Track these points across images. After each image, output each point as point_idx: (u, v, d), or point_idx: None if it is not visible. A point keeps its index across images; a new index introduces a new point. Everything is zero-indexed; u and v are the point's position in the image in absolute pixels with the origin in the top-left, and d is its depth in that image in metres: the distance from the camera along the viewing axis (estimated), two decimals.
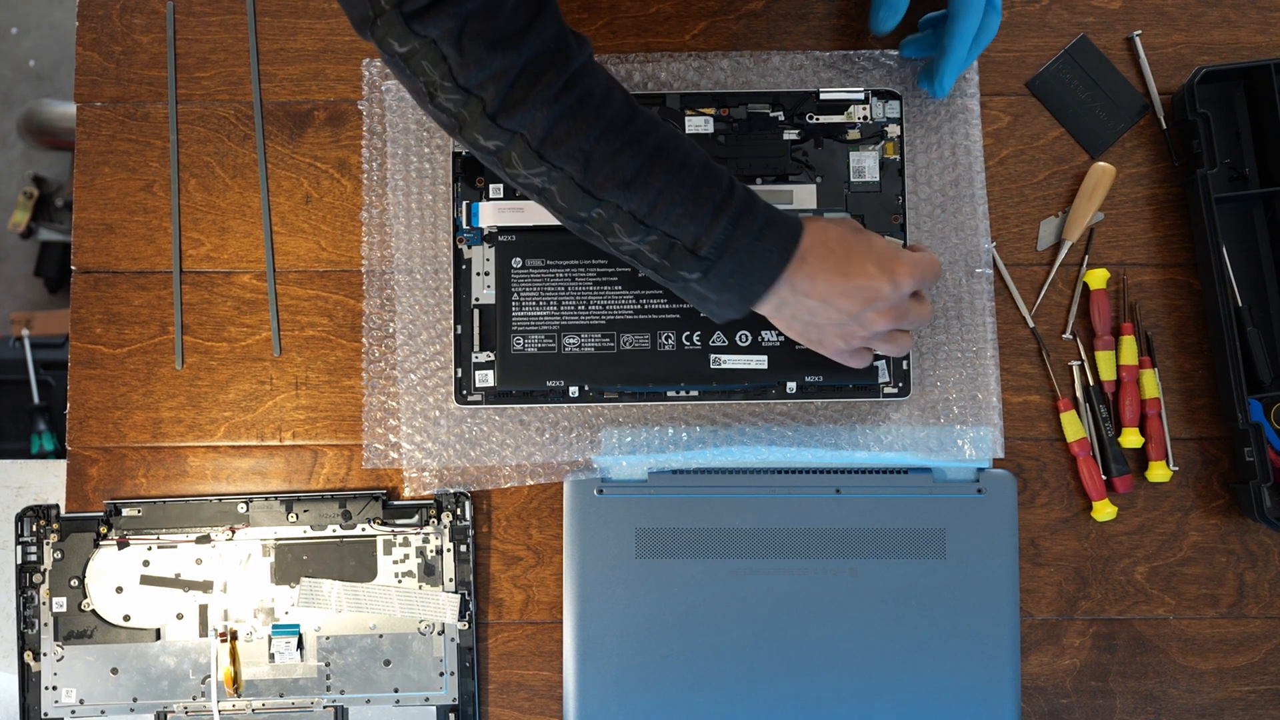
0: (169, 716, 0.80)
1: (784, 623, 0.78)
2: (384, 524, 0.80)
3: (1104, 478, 0.80)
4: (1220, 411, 0.81)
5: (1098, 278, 0.81)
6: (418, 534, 0.80)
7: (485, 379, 0.79)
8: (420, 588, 0.80)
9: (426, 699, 0.79)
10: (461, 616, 0.79)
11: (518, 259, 0.79)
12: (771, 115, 0.80)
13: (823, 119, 0.80)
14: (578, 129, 0.63)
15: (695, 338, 0.79)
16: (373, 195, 0.82)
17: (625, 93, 0.66)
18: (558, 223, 0.73)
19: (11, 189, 1.88)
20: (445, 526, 0.80)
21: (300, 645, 0.79)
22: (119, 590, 0.80)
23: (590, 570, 0.78)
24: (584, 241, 0.72)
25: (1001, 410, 0.81)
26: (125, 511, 0.80)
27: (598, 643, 0.78)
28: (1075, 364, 0.82)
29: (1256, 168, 0.82)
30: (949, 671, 0.77)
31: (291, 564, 0.80)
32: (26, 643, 0.79)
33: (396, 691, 0.79)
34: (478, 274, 0.80)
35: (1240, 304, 0.80)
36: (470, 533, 0.80)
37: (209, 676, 0.79)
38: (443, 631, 0.80)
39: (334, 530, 0.80)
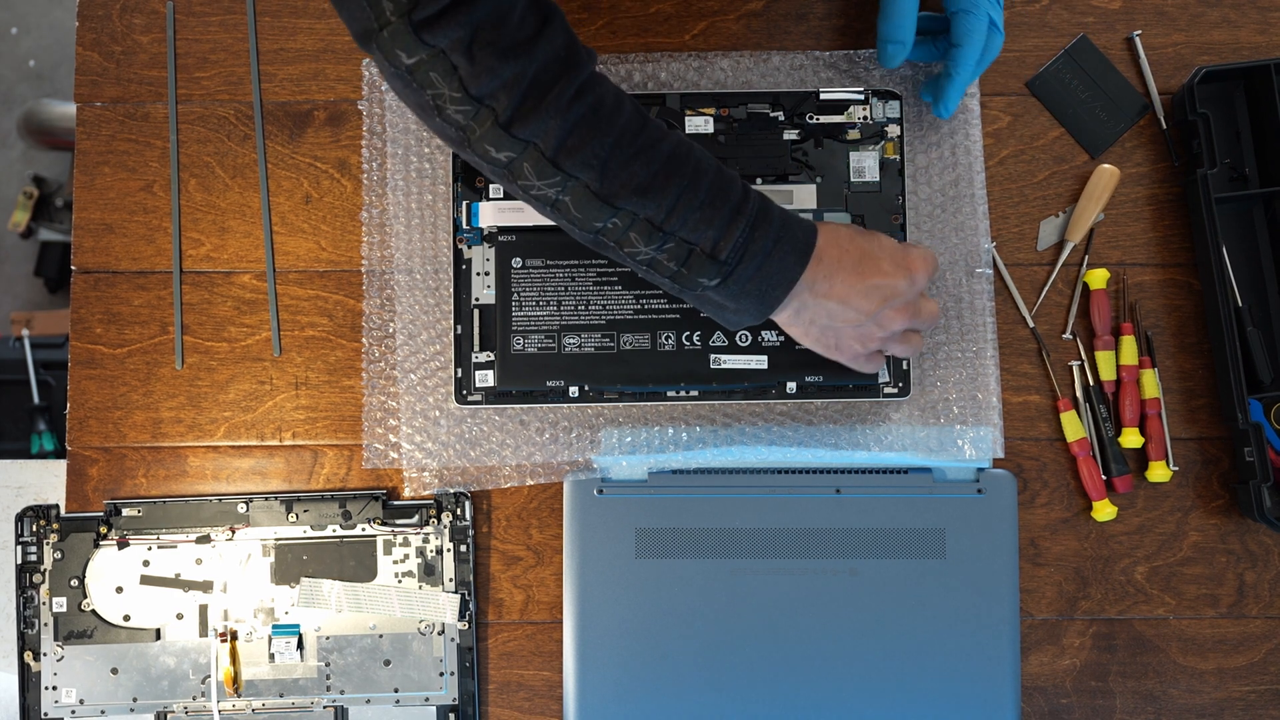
0: (169, 716, 0.80)
1: (784, 623, 0.78)
2: (384, 524, 0.80)
3: (1104, 478, 0.80)
4: (1220, 411, 0.81)
5: (1098, 278, 0.81)
6: (418, 534, 0.80)
7: (485, 379, 0.79)
8: (420, 588, 0.80)
9: (426, 699, 0.79)
10: (461, 616, 0.79)
11: (518, 259, 0.79)
12: (771, 115, 0.80)
13: (823, 119, 0.80)
14: (592, 136, 0.62)
15: (695, 338, 0.79)
16: (373, 195, 0.82)
17: (634, 101, 0.65)
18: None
19: (11, 189, 1.88)
20: (445, 526, 0.80)
21: (300, 645, 0.79)
22: (119, 590, 0.80)
23: (590, 570, 0.78)
24: None
25: (1001, 410, 0.81)
26: (125, 511, 0.80)
27: (598, 643, 0.78)
28: (1075, 364, 0.82)
29: (1256, 168, 0.82)
30: (949, 671, 0.77)
31: (291, 564, 0.80)
32: (26, 643, 0.79)
33: (396, 691, 0.79)
34: (478, 274, 0.80)
35: (1240, 304, 0.80)
36: (470, 533, 0.80)
37: (209, 676, 0.79)
38: (443, 631, 0.80)
39: (334, 530, 0.80)
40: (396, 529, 0.80)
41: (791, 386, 0.79)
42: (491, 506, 0.81)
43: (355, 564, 0.80)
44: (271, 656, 0.79)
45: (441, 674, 0.79)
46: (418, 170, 0.82)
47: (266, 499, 0.80)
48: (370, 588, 0.79)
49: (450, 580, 0.80)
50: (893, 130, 0.80)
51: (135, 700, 0.79)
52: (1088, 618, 0.81)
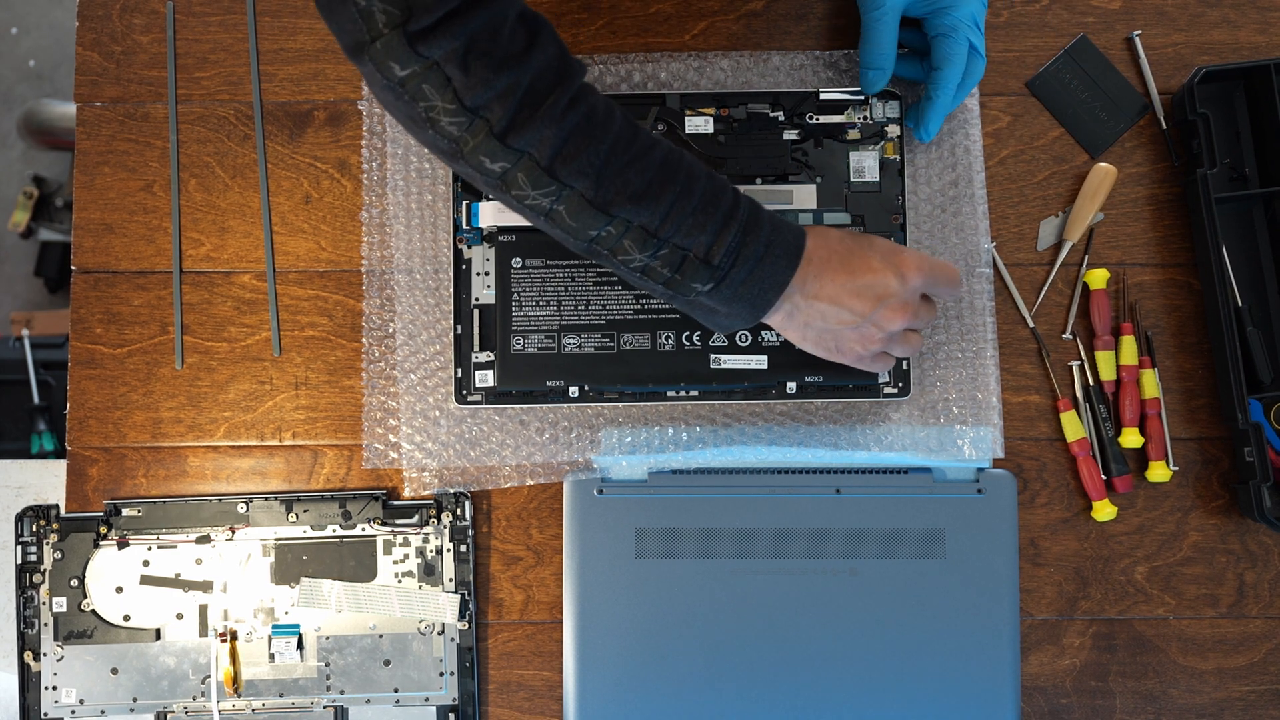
0: (169, 716, 0.80)
1: (784, 623, 0.78)
2: (384, 524, 0.80)
3: (1104, 478, 0.80)
4: (1220, 411, 0.81)
5: (1098, 278, 0.81)
6: (418, 534, 0.80)
7: (485, 379, 0.79)
8: (420, 588, 0.80)
9: (426, 699, 0.79)
10: (461, 616, 0.79)
11: (518, 259, 0.79)
12: (771, 115, 0.80)
13: (823, 119, 0.80)
14: (587, 145, 0.62)
15: (695, 338, 0.79)
16: (373, 195, 0.82)
17: (624, 110, 0.66)
18: None
19: (11, 189, 1.88)
20: (445, 526, 0.80)
21: (300, 645, 0.79)
22: (119, 590, 0.80)
23: (590, 570, 0.78)
24: None
25: (1001, 410, 0.81)
26: (125, 511, 0.80)
27: (598, 643, 0.78)
28: (1075, 364, 0.82)
29: (1256, 168, 0.82)
30: (949, 671, 0.77)
31: (291, 564, 0.80)
32: (26, 643, 0.79)
33: (396, 691, 0.79)
34: (478, 274, 0.80)
35: (1240, 304, 0.80)
36: (470, 533, 0.80)
37: (209, 676, 0.79)
38: (443, 631, 0.80)
39: (334, 530, 0.80)
40: (396, 529, 0.80)
41: (791, 386, 0.79)
42: (491, 506, 0.81)
43: (355, 564, 0.80)
44: (271, 656, 0.79)
45: (441, 674, 0.79)
46: (418, 170, 0.82)
47: (266, 499, 0.80)
48: (370, 588, 0.79)
49: (450, 580, 0.80)
50: (892, 130, 0.80)
51: (135, 700, 0.79)
52: (1088, 618, 0.81)
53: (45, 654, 0.79)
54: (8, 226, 1.84)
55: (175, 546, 0.80)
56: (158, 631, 0.80)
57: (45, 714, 0.79)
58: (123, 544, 0.80)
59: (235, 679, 0.79)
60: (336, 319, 0.82)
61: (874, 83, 0.78)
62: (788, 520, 0.78)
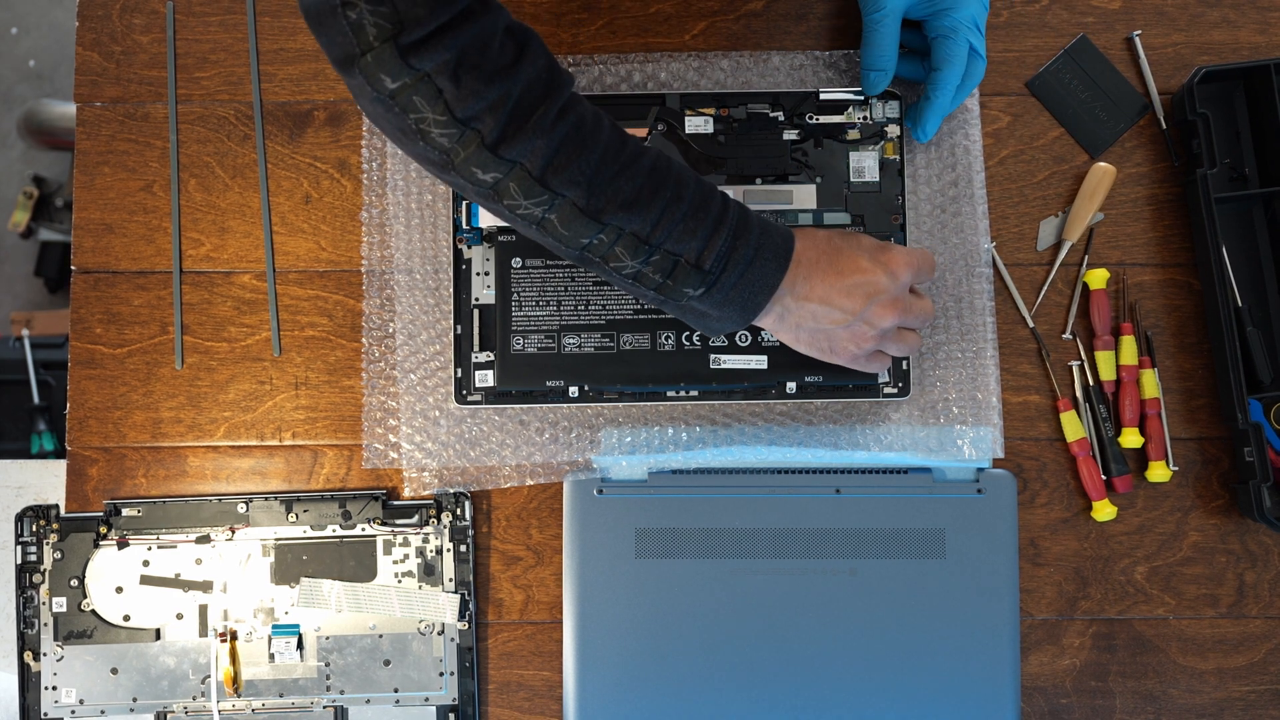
0: (169, 716, 0.80)
1: (784, 623, 0.78)
2: (384, 524, 0.80)
3: (1104, 478, 0.80)
4: (1220, 411, 0.81)
5: (1098, 278, 0.81)
6: (418, 534, 0.80)
7: (485, 379, 0.79)
8: (420, 588, 0.80)
9: (426, 699, 0.79)
10: (461, 616, 0.79)
11: (518, 259, 0.79)
12: (771, 115, 0.80)
13: (822, 119, 0.80)
14: (578, 154, 0.63)
15: (695, 338, 0.79)
16: (373, 195, 0.82)
17: (611, 119, 0.66)
18: None
19: (11, 189, 1.88)
20: (445, 526, 0.80)
21: (300, 645, 0.79)
22: (119, 590, 0.80)
23: (590, 570, 0.78)
24: None
25: (1001, 410, 0.81)
26: (125, 511, 0.80)
27: (598, 643, 0.78)
28: (1075, 364, 0.82)
29: (1256, 168, 0.82)
30: (949, 671, 0.77)
31: (291, 564, 0.80)
32: (26, 643, 0.79)
33: (396, 691, 0.79)
34: (478, 274, 0.80)
35: (1240, 304, 0.80)
36: (470, 533, 0.80)
37: (209, 676, 0.79)
38: (442, 631, 0.80)
39: (334, 530, 0.80)
40: (396, 529, 0.80)
41: (791, 386, 0.79)
42: (491, 506, 0.81)
43: (355, 564, 0.80)
44: (271, 656, 0.79)
45: (441, 674, 0.79)
46: (418, 170, 0.82)
47: (266, 499, 0.80)
48: (370, 588, 0.79)
49: (450, 580, 0.80)
50: (892, 130, 0.80)
51: (135, 700, 0.79)
52: (1088, 618, 0.81)
53: (45, 654, 0.79)
54: (8, 226, 1.84)
55: (175, 546, 0.80)
56: (158, 631, 0.80)
57: (45, 714, 0.79)
58: (123, 544, 0.80)
59: (235, 679, 0.79)
60: (336, 319, 0.82)
61: (875, 84, 0.78)
62: (788, 520, 0.78)
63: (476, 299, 0.80)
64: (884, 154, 0.80)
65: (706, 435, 0.80)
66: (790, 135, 0.80)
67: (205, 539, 0.80)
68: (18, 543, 0.80)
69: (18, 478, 0.83)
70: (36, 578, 0.80)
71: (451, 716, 0.79)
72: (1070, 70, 0.83)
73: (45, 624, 0.79)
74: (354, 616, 0.80)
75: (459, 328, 0.80)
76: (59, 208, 1.83)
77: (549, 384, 0.79)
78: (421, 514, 0.80)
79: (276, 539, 0.80)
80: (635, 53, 0.83)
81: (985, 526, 0.78)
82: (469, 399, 0.79)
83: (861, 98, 0.80)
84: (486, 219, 0.79)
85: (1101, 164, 0.82)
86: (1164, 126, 0.83)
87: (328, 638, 0.80)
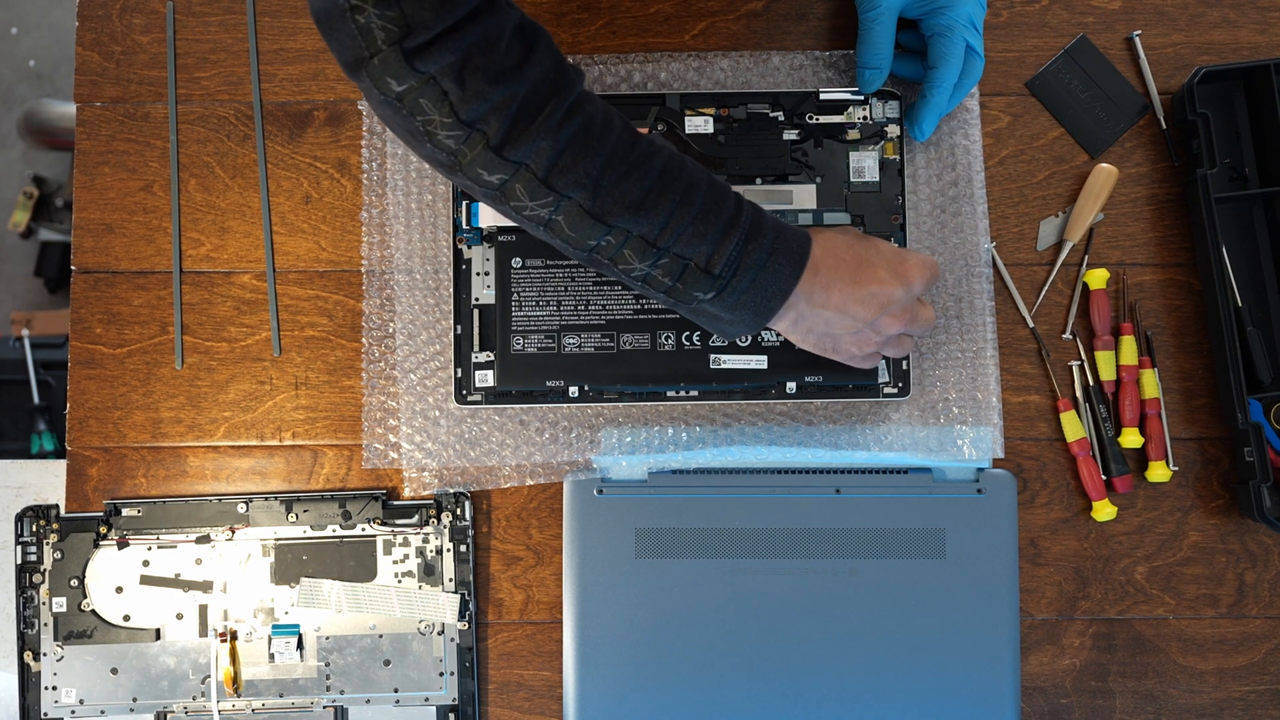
0: (169, 716, 0.80)
1: (784, 623, 0.78)
2: (384, 524, 0.80)
3: (1104, 478, 0.80)
4: (1220, 411, 0.81)
5: (1097, 278, 0.81)
6: (418, 534, 0.80)
7: (485, 379, 0.79)
8: (420, 588, 0.80)
9: (426, 699, 0.79)
10: (461, 616, 0.79)
11: (518, 259, 0.79)
12: (771, 115, 0.80)
13: (822, 119, 0.80)
14: (583, 156, 0.62)
15: (695, 338, 0.79)
16: (373, 195, 0.82)
17: (623, 118, 0.66)
18: None
19: (11, 189, 1.88)
20: (445, 526, 0.80)
21: (300, 645, 0.79)
22: (119, 590, 0.80)
23: (590, 570, 0.78)
24: None
25: (1001, 410, 0.81)
26: (125, 511, 0.80)
27: (598, 643, 0.78)
28: (1075, 364, 0.82)
29: (1256, 168, 0.82)
30: (949, 671, 0.77)
31: (291, 564, 0.80)
32: (26, 643, 0.79)
33: (396, 691, 0.79)
34: (478, 274, 0.80)
35: (1240, 304, 0.80)
36: (470, 533, 0.80)
37: (209, 676, 0.79)
38: (442, 631, 0.80)
39: (334, 530, 0.80)
40: (396, 529, 0.80)
41: (791, 386, 0.79)
42: (491, 506, 0.81)
43: (355, 564, 0.80)
44: (271, 656, 0.79)
45: (441, 674, 0.79)
46: (418, 170, 0.82)
47: (266, 499, 0.80)
48: (370, 588, 0.79)
49: (450, 580, 0.80)
50: (892, 130, 0.80)
51: (135, 700, 0.79)
52: (1088, 618, 0.81)
53: (45, 654, 0.79)
54: (8, 226, 1.84)
55: (175, 546, 0.80)
56: (158, 631, 0.80)
57: (45, 714, 0.79)
58: (123, 544, 0.80)
59: (235, 679, 0.79)
60: (336, 319, 0.83)
61: (870, 82, 0.78)
62: (788, 520, 0.78)
63: (476, 299, 0.80)
64: (884, 154, 0.80)
65: (706, 435, 0.80)
66: (790, 135, 0.80)
67: (205, 539, 0.80)
68: (18, 543, 0.80)
69: (18, 478, 0.83)
70: (36, 578, 0.80)
71: (451, 716, 0.80)
72: (1070, 70, 0.83)
73: (45, 624, 0.79)
74: (354, 616, 0.80)
75: (459, 328, 0.80)
76: (59, 208, 1.83)
77: (549, 384, 0.79)
78: (421, 514, 0.80)
79: (276, 539, 0.80)
80: (635, 53, 0.83)
81: (985, 526, 0.78)
82: (469, 399, 0.79)
83: (861, 98, 0.80)
84: (487, 219, 0.79)
85: (1104, 165, 0.82)
86: (1164, 126, 0.83)
87: (328, 638, 0.80)
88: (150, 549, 0.80)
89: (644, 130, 0.79)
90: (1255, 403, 0.79)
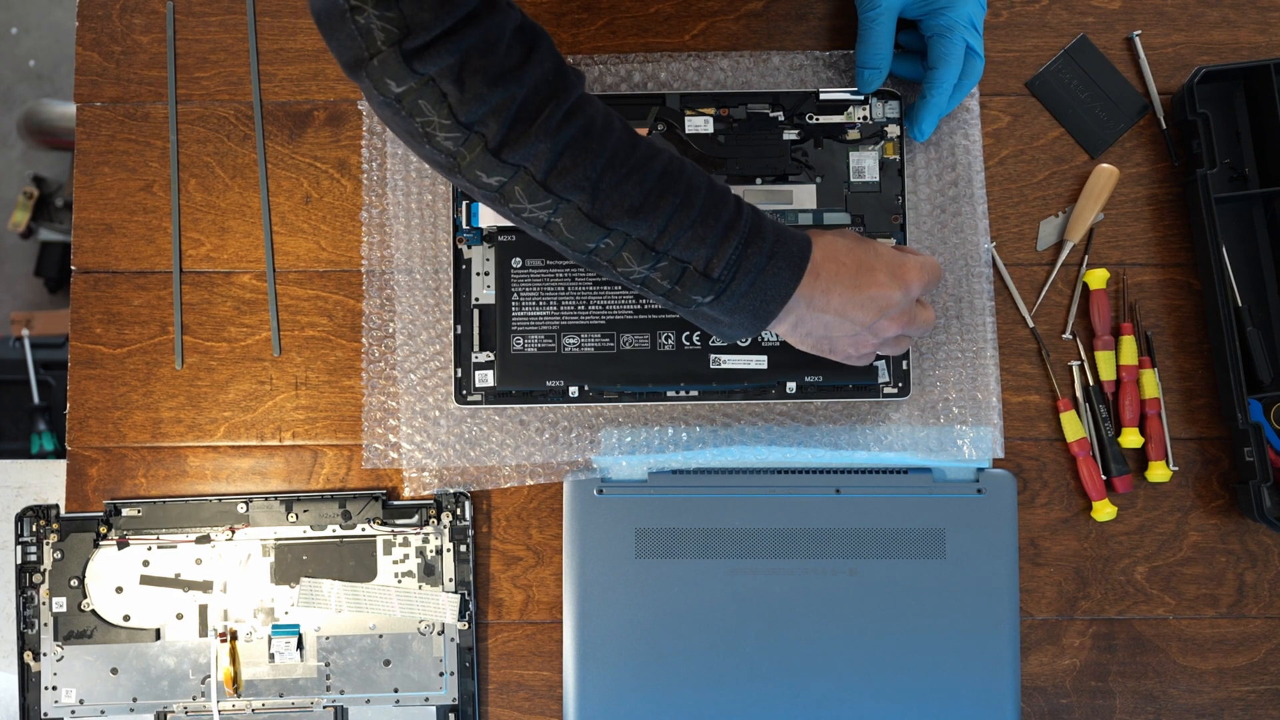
0: (169, 716, 0.80)
1: (784, 623, 0.78)
2: (384, 524, 0.80)
3: (1104, 478, 0.80)
4: (1220, 411, 0.81)
5: (1097, 278, 0.81)
6: (418, 534, 0.80)
7: (485, 379, 0.79)
8: (420, 588, 0.80)
9: (426, 699, 0.79)
10: (461, 616, 0.79)
11: (518, 259, 0.79)
12: (771, 115, 0.80)
13: (822, 119, 0.80)
14: (582, 159, 0.62)
15: (695, 338, 0.79)
16: (373, 195, 0.82)
17: (623, 121, 0.66)
18: None
19: (11, 189, 1.88)
20: (445, 526, 0.80)
21: (300, 645, 0.79)
22: (119, 590, 0.80)
23: (590, 570, 0.78)
24: None
25: (1001, 410, 0.81)
26: (125, 511, 0.80)
27: (598, 643, 0.78)
28: (1075, 364, 0.82)
29: (1256, 168, 0.82)
30: (949, 671, 0.77)
31: (291, 564, 0.80)
32: (26, 643, 0.79)
33: (396, 691, 0.79)
34: (478, 274, 0.80)
35: (1240, 304, 0.80)
36: (470, 533, 0.80)
37: (209, 676, 0.79)
38: (443, 631, 0.80)
39: (334, 530, 0.80)
40: (396, 529, 0.80)
41: (791, 386, 0.79)
42: (491, 506, 0.81)
43: (355, 564, 0.80)
44: (271, 656, 0.79)
45: (441, 674, 0.79)
46: (418, 170, 0.82)
47: (266, 499, 0.80)
48: (370, 588, 0.79)
49: (450, 580, 0.80)
50: (892, 130, 0.80)
51: (135, 700, 0.79)
52: (1088, 618, 0.81)
53: (45, 654, 0.79)
54: (8, 226, 1.84)
55: (175, 546, 0.80)
56: (158, 631, 0.80)
57: (45, 714, 0.79)
58: (123, 544, 0.80)
59: (235, 679, 0.79)
60: (336, 319, 0.83)
61: (869, 82, 0.78)
62: (788, 520, 0.78)
63: (476, 299, 0.80)
64: (884, 154, 0.80)
65: (706, 435, 0.80)
66: (790, 135, 0.80)
67: (205, 539, 0.80)
68: (18, 543, 0.80)
69: (18, 478, 0.83)
70: (36, 578, 0.80)
71: (451, 716, 0.80)
72: (1070, 70, 0.83)
73: (45, 624, 0.79)
74: (354, 616, 0.80)
75: (459, 328, 0.80)
76: (59, 208, 1.83)
77: (549, 384, 0.79)
78: (421, 514, 0.80)
79: (276, 539, 0.80)
80: (635, 53, 0.83)
81: (985, 526, 0.78)
82: (469, 399, 0.79)
83: (861, 98, 0.80)
84: (486, 219, 0.79)
85: (1105, 165, 0.82)
86: (1164, 126, 0.83)
87: (328, 638, 0.80)
88: (150, 549, 0.80)
89: (644, 131, 0.80)
90: (1255, 403, 0.79)
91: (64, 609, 0.80)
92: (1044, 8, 0.84)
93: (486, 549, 0.81)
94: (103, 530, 0.80)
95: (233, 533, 0.80)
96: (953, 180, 0.82)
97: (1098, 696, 0.81)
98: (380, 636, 0.80)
